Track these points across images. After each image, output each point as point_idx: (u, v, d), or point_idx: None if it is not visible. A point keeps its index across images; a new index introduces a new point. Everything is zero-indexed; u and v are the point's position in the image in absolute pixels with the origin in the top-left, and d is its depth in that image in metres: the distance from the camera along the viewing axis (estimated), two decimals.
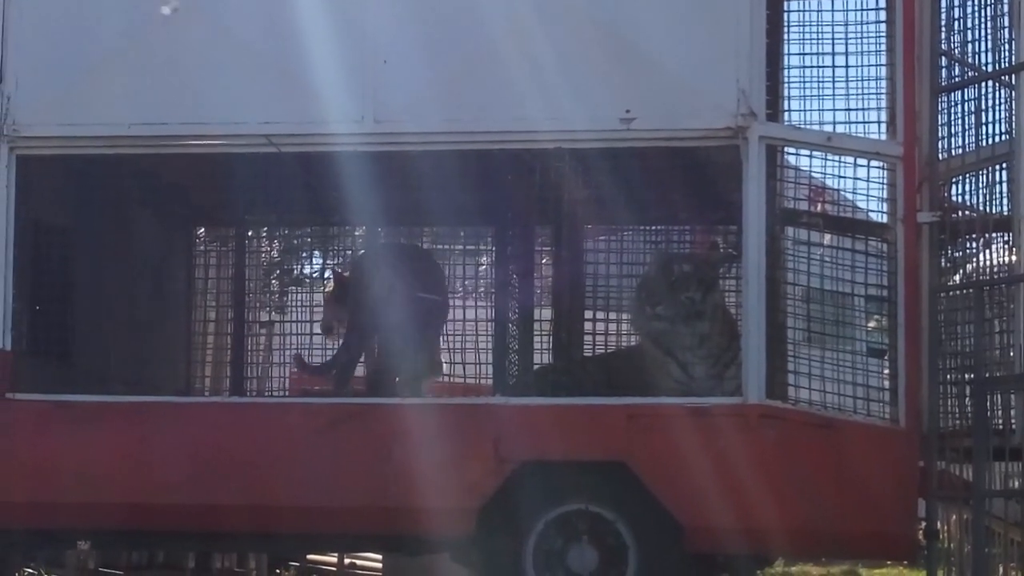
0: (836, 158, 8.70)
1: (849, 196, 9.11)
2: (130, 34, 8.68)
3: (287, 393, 10.91)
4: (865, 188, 8.69)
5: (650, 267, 9.08)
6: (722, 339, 8.66)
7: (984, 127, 8.62)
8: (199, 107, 8.58)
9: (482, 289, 10.81)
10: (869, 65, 9.66)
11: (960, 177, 8.69)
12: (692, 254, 9.74)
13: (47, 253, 9.25)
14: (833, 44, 9.75)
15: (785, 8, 9.64)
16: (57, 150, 8.79)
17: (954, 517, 9.01)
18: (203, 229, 11.17)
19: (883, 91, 9.40)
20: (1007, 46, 8.66)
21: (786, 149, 8.71)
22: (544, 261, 10.53)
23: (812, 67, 9.81)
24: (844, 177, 8.76)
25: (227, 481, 8.42)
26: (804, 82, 9.82)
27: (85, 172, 9.13)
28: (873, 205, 8.91)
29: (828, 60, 9.75)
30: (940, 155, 8.59)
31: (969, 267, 8.83)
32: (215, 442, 8.51)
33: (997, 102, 8.65)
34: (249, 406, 9.16)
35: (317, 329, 10.61)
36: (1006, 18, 8.66)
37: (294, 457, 8.41)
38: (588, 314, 10.39)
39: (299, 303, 11.63)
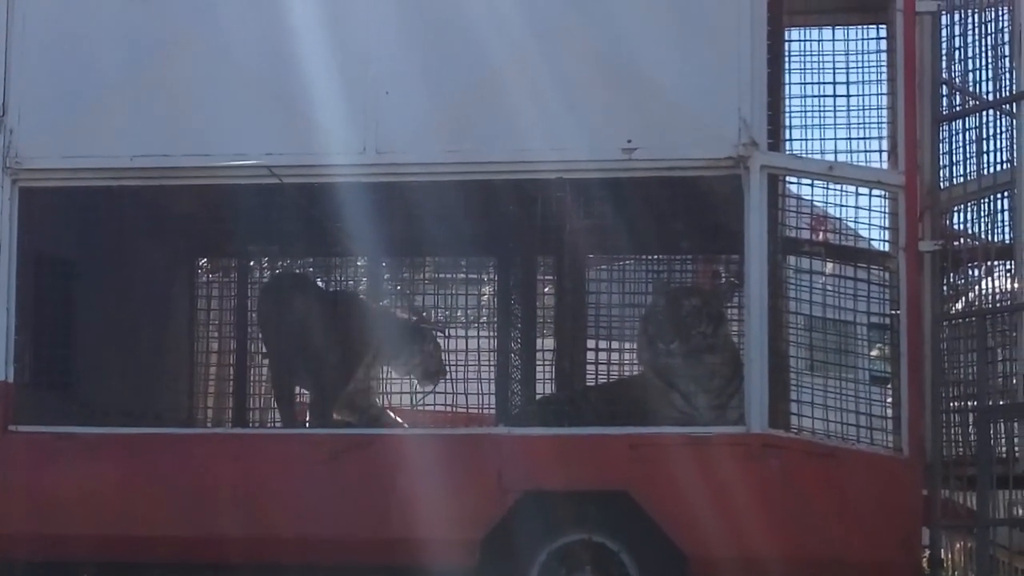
0: (838, 187, 8.70)
1: (851, 225, 9.25)
2: (132, 67, 8.73)
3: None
4: (867, 217, 8.85)
5: (656, 300, 9.10)
6: (727, 369, 8.67)
7: (985, 155, 8.66)
8: (201, 139, 8.62)
9: (484, 319, 10.77)
10: (870, 95, 9.80)
11: (962, 206, 8.72)
12: (699, 287, 9.78)
13: (49, 285, 9.24)
14: (834, 74, 9.84)
15: (786, 38, 9.66)
16: (60, 182, 8.83)
17: (958, 545, 9.09)
18: (205, 260, 11.18)
19: (884, 120, 9.49)
20: (1008, 75, 8.72)
21: (788, 178, 8.75)
22: (546, 291, 10.51)
23: (813, 96, 9.89)
24: (846, 206, 8.80)
25: (229, 512, 8.43)
26: (805, 112, 9.89)
27: (87, 204, 9.14)
28: (875, 234, 9.02)
29: (829, 90, 9.83)
30: (942, 184, 8.64)
31: (971, 295, 8.83)
32: (217, 473, 8.51)
33: (998, 131, 8.71)
34: (251, 437, 9.17)
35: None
36: (1007, 47, 8.72)
37: (296, 488, 8.42)
38: (591, 343, 10.39)
39: None
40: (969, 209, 8.69)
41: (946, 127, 8.70)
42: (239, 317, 9.34)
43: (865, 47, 9.75)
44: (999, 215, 8.62)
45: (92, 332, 9.68)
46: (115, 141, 8.66)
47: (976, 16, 8.75)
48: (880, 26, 9.67)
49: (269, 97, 8.59)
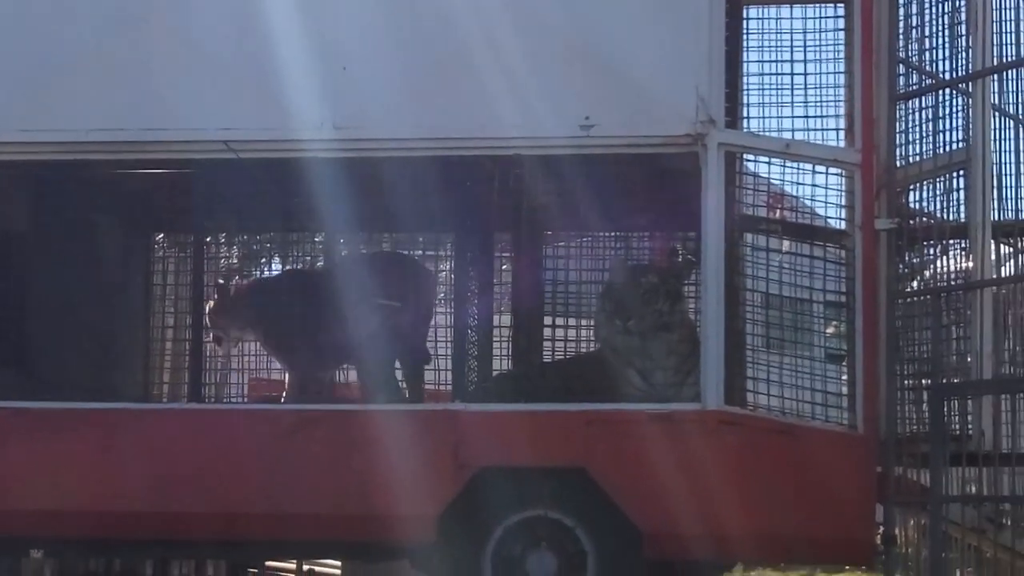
0: (795, 165, 8.73)
1: (808, 203, 9.15)
2: (90, 39, 8.67)
3: (246, 400, 10.86)
4: (823, 195, 8.73)
5: (613, 277, 9.10)
6: (684, 347, 8.69)
7: (941, 134, 8.66)
8: (158, 113, 8.57)
9: (441, 295, 10.75)
10: (828, 73, 9.72)
11: (918, 184, 8.73)
12: (656, 264, 9.76)
13: (4, 260, 9.16)
14: (792, 52, 9.81)
15: (744, 16, 9.66)
16: (15, 156, 8.76)
17: (912, 522, 9.08)
18: (162, 235, 11.12)
19: (841, 99, 9.46)
20: (965, 54, 8.70)
21: (745, 156, 8.74)
22: (504, 267, 10.51)
23: (771, 75, 9.86)
24: (803, 184, 8.85)
25: (186, 488, 8.41)
26: (763, 89, 9.87)
27: (43, 178, 9.09)
28: (832, 212, 8.91)
29: (787, 68, 9.81)
30: (898, 162, 8.63)
31: (927, 273, 8.86)
32: (173, 449, 8.49)
33: (955, 109, 8.69)
34: (207, 412, 9.09)
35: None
36: (964, 26, 8.70)
37: (253, 464, 8.41)
38: (548, 320, 10.38)
39: None
40: (925, 188, 8.70)
41: (903, 105, 8.70)
42: (195, 293, 9.28)
43: (823, 25, 9.76)
44: (954, 194, 8.63)
45: (48, 308, 9.60)
46: (72, 115, 8.60)
47: None
48: (838, 4, 9.67)
49: (227, 71, 8.54)
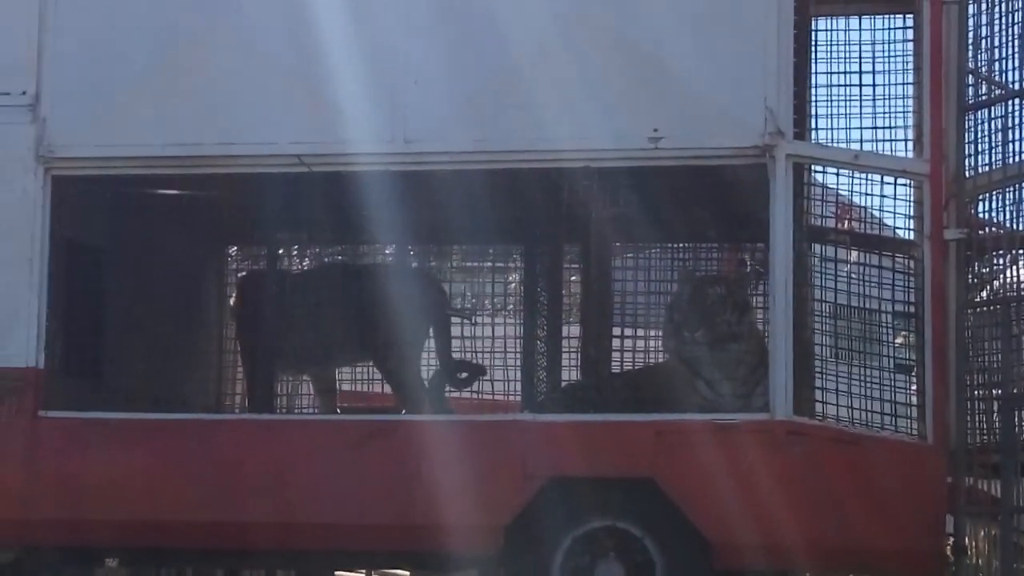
0: (863, 176, 8.73)
1: (876, 213, 9.18)
2: (162, 56, 8.77)
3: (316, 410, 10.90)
4: (892, 205, 8.74)
5: (681, 289, 9.10)
6: (752, 357, 8.68)
7: (1010, 144, 8.62)
8: (231, 128, 8.65)
9: (511, 306, 10.76)
10: (896, 84, 9.71)
11: (987, 194, 8.71)
12: (723, 275, 9.77)
13: (80, 273, 9.27)
14: (860, 62, 9.76)
15: (812, 27, 9.65)
16: (92, 171, 8.86)
17: (982, 533, 9.00)
18: (235, 248, 11.24)
19: (910, 109, 9.45)
20: None
21: (813, 167, 8.73)
22: (572, 279, 10.55)
23: (839, 86, 9.82)
24: (871, 195, 8.84)
25: (256, 498, 8.46)
26: (831, 101, 9.84)
27: (119, 192, 9.22)
28: (900, 222, 8.92)
29: (855, 79, 9.76)
30: (967, 172, 8.61)
31: (996, 283, 8.85)
32: (244, 459, 8.55)
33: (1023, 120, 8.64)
34: (278, 423, 9.14)
35: None
36: None
37: (322, 474, 8.45)
38: (616, 331, 10.39)
39: None
40: (994, 197, 8.68)
41: (971, 116, 8.66)
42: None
43: (891, 36, 9.74)
44: None
45: (122, 320, 9.70)
46: (146, 130, 8.71)
47: (1002, 5, 8.73)
48: (907, 15, 9.64)
49: (297, 86, 8.61)
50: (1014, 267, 8.76)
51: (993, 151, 8.65)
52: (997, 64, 8.80)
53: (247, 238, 10.92)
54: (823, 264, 8.80)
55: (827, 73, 9.84)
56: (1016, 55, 8.75)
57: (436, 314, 9.96)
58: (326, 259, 10.98)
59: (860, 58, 9.76)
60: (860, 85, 9.74)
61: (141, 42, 8.79)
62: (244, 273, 10.94)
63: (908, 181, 8.64)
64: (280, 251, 10.31)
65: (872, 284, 8.78)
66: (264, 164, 8.72)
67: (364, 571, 11.96)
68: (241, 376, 10.60)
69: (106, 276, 9.63)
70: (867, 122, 9.64)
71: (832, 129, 9.79)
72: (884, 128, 9.63)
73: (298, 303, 9.63)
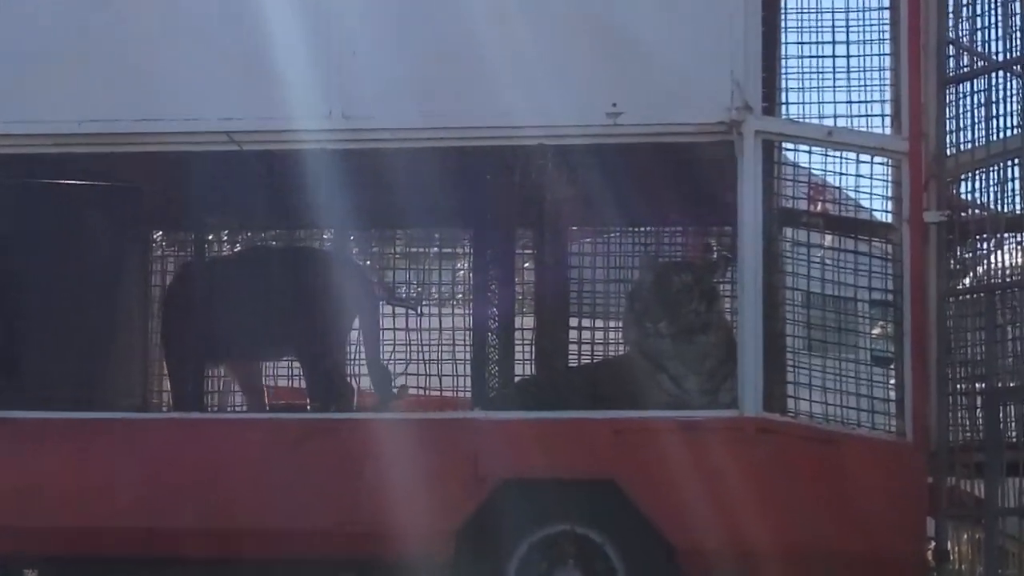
0: (837, 154, 8.60)
1: (851, 194, 9.03)
2: (80, 25, 8.54)
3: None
4: (868, 186, 8.60)
5: (644, 276, 8.97)
6: (720, 350, 8.55)
7: (995, 120, 8.50)
8: (154, 102, 8.46)
9: (459, 296, 10.69)
10: (872, 55, 9.63)
11: (969, 174, 8.58)
12: (688, 261, 9.69)
13: None
14: (834, 33, 9.68)
15: None
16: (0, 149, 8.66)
17: (965, 536, 8.98)
18: (160, 233, 11.03)
19: (887, 83, 9.29)
20: (1018, 33, 8.56)
21: (784, 145, 8.59)
22: (526, 265, 10.40)
23: (811, 58, 9.78)
24: (846, 174, 8.65)
25: (184, 503, 8.29)
26: (803, 74, 9.80)
27: (31, 173, 8.98)
28: (877, 204, 8.87)
29: (828, 50, 9.72)
30: (948, 150, 8.52)
31: (980, 269, 8.71)
32: (171, 461, 8.38)
33: (1008, 93, 8.56)
34: (209, 422, 8.99)
35: None
36: (1017, 3, 8.56)
37: (257, 477, 8.30)
38: (573, 322, 10.27)
39: None
40: (977, 177, 8.53)
41: (953, 89, 8.56)
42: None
43: (867, 3, 9.65)
44: (1009, 183, 8.46)
45: (35, 312, 9.39)
46: (61, 105, 8.49)
47: None
48: None
49: (227, 56, 8.41)
50: (999, 252, 8.66)
51: (976, 127, 8.56)
52: (980, 33, 8.69)
53: (173, 223, 10.72)
54: (795, 249, 8.69)
55: (798, 44, 9.81)
56: (1000, 23, 8.63)
57: (363, 304, 9.79)
58: (245, 245, 10.90)
59: (833, 28, 9.68)
60: (834, 56, 9.67)
61: (58, 9, 8.56)
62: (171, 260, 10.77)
63: (885, 159, 8.53)
64: (209, 237, 10.16)
65: (847, 270, 8.68)
66: (191, 142, 8.51)
67: None
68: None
69: (18, 266, 9.31)
70: (841, 96, 9.60)
71: (804, 104, 9.75)
72: (860, 103, 9.60)
73: (217, 292, 9.42)
